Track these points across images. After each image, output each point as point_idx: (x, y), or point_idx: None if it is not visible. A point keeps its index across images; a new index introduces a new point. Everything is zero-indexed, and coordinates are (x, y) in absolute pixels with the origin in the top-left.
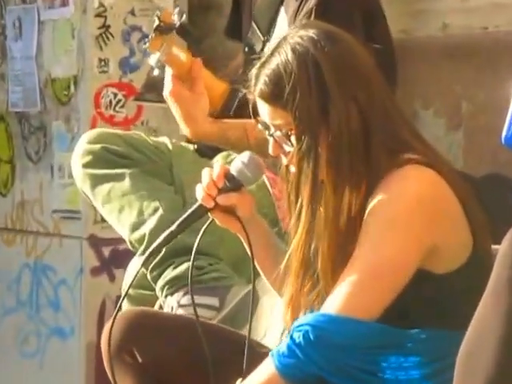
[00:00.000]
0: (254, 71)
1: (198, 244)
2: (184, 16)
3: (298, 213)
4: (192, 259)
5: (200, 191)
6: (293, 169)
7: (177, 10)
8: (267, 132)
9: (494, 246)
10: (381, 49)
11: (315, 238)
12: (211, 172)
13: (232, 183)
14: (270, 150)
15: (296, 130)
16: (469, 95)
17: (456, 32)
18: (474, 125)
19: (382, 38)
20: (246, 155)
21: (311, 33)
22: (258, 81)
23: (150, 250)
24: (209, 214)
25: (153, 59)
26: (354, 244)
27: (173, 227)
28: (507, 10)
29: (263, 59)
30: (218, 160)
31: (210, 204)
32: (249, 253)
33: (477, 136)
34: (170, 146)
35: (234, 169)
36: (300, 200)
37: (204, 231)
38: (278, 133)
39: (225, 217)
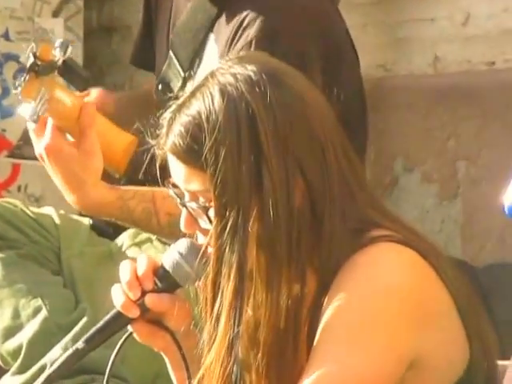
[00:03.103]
0: (166, 116)
1: (101, 361)
2: (69, 50)
3: (216, 319)
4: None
5: (119, 294)
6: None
7: (58, 42)
8: (179, 200)
9: (500, 362)
10: (346, 94)
11: (241, 354)
12: (134, 266)
13: (165, 283)
14: (181, 225)
15: (216, 202)
16: (468, 154)
17: (451, 68)
18: (474, 194)
19: (349, 79)
20: (183, 243)
21: (249, 70)
22: (171, 130)
23: (45, 378)
24: (129, 326)
25: (26, 110)
26: (300, 360)
27: (79, 344)
28: None
29: (181, 101)
30: (124, 241)
31: (135, 313)
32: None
33: (479, 209)
34: (58, 221)
35: (167, 262)
36: (219, 300)
37: (121, 347)
38: (194, 203)
39: (150, 330)
